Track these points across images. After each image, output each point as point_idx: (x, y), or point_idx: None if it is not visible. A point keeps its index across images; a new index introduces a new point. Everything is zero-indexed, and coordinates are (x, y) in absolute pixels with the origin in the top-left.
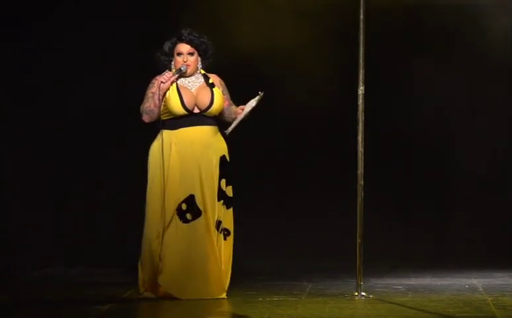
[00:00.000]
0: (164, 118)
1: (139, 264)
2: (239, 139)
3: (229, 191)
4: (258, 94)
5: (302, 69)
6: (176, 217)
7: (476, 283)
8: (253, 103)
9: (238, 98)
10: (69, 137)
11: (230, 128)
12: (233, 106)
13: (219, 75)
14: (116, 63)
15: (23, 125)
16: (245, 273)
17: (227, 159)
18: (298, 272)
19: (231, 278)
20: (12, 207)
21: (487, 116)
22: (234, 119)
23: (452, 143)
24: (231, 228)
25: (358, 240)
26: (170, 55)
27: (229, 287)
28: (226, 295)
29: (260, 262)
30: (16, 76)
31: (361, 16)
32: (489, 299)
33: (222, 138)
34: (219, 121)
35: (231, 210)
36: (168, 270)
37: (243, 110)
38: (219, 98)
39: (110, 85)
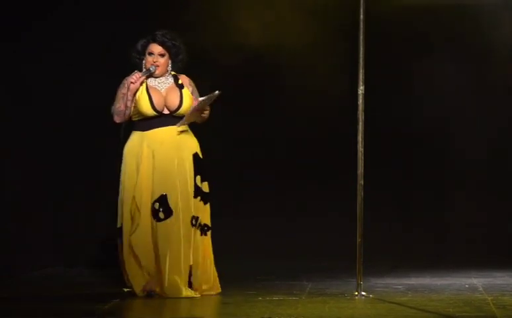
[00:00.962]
0: (135, 119)
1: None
2: (240, 139)
3: (205, 187)
4: (215, 92)
5: (302, 69)
6: (151, 216)
7: (476, 283)
8: (205, 99)
9: (236, 96)
10: (69, 137)
11: (179, 123)
12: None
13: (188, 76)
14: (116, 63)
15: (23, 125)
16: (245, 273)
17: (199, 156)
18: (298, 272)
19: (228, 277)
20: (12, 207)
21: (487, 116)
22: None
23: (452, 143)
24: (210, 224)
25: (358, 240)
26: (143, 53)
27: (229, 287)
28: (218, 294)
29: (261, 262)
30: (16, 76)
31: (361, 16)
32: (489, 298)
33: (193, 136)
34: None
35: (208, 206)
36: (146, 268)
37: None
38: (187, 99)
39: (110, 85)
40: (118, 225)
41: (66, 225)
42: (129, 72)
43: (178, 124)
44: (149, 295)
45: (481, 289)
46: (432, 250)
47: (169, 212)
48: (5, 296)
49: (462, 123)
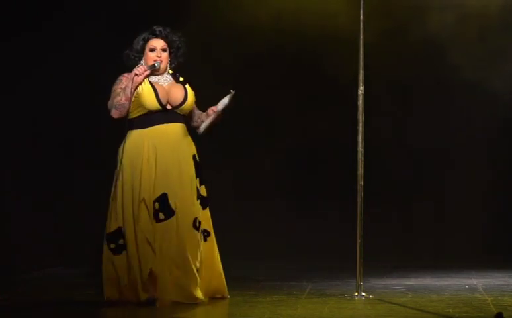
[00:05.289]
0: (134, 116)
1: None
2: (240, 140)
3: (203, 190)
4: (230, 92)
5: (302, 69)
6: (150, 217)
7: (476, 283)
8: (225, 100)
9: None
10: (69, 137)
11: (203, 126)
12: (198, 111)
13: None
14: (116, 62)
15: (23, 125)
16: (245, 274)
17: (197, 159)
18: (298, 272)
19: (229, 278)
20: (12, 207)
21: (486, 116)
22: (203, 121)
23: (452, 143)
24: (211, 229)
25: (358, 240)
26: (142, 52)
27: (229, 288)
28: (213, 298)
29: (261, 262)
30: (17, 76)
31: (361, 17)
32: (489, 299)
33: (190, 138)
34: (187, 122)
35: (207, 210)
36: (145, 270)
37: (214, 111)
38: (191, 95)
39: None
40: (113, 229)
41: (66, 225)
42: (122, 71)
43: (202, 127)
44: (150, 302)
45: (481, 289)
46: (432, 250)
47: (169, 212)
48: (5, 296)
49: (462, 123)
